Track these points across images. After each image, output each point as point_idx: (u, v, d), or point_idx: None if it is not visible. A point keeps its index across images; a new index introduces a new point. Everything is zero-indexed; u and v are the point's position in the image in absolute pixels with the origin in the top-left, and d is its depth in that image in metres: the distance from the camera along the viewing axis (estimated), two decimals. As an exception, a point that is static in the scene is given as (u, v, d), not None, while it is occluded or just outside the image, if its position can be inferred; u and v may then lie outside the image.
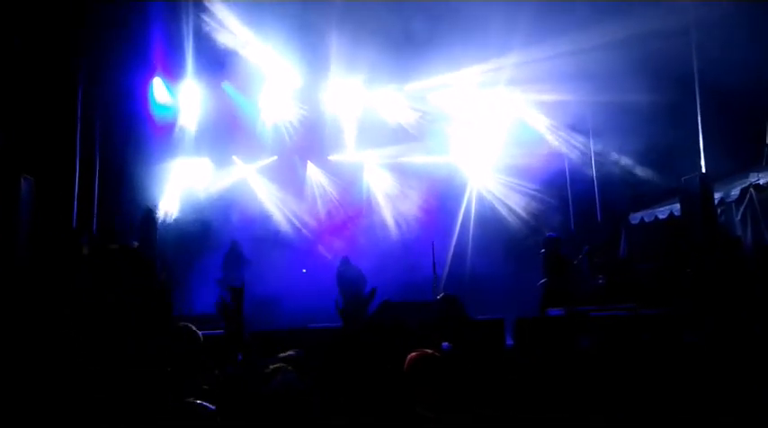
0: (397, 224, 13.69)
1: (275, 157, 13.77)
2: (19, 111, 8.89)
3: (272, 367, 2.82)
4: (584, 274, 10.33)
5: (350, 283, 11.09)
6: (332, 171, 14.23)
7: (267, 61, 12.33)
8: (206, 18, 11.10)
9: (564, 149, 13.29)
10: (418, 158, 14.11)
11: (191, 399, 2.69)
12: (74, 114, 10.35)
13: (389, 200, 14.05)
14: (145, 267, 8.95)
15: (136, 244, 9.36)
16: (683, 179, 8.91)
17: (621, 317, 7.65)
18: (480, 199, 13.92)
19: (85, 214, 10.72)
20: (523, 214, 13.51)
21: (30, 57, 9.20)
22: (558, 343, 6.81)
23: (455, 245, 12.62)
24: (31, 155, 8.89)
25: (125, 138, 12.00)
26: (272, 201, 13.70)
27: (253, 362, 3.66)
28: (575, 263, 9.79)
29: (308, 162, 14.23)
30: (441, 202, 13.79)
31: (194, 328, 3.42)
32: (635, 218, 11.63)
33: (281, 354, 3.21)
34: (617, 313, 8.09)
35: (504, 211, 13.70)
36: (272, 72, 12.61)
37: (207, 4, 10.96)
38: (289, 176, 13.90)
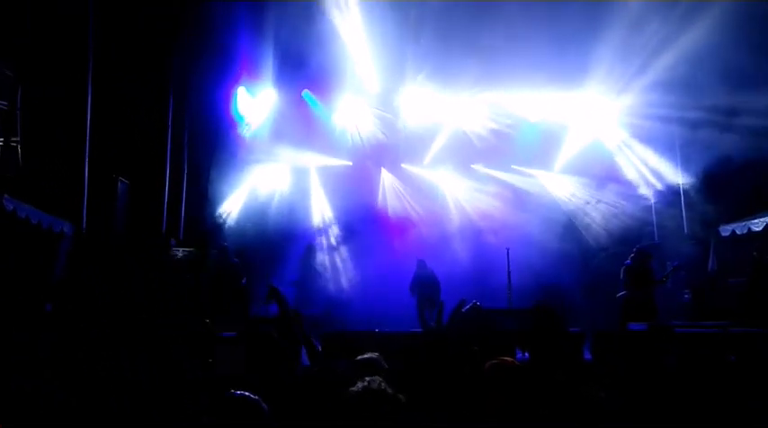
0: (471, 231, 13.56)
1: (350, 163, 14.00)
2: (116, 116, 9.45)
3: (361, 357, 2.84)
4: (669, 289, 9.86)
5: (425, 286, 11.14)
6: (406, 178, 14.32)
7: (347, 68, 12.56)
8: (289, 27, 11.41)
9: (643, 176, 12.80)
10: (495, 166, 13.97)
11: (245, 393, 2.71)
12: (165, 120, 10.91)
13: (464, 207, 13.96)
14: (228, 271, 9.37)
15: (225, 244, 9.74)
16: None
17: (710, 335, 7.25)
18: (559, 208, 13.56)
19: (174, 215, 11.26)
20: (604, 224, 13.06)
21: (126, 64, 9.76)
22: (640, 358, 6.54)
23: (530, 254, 12.33)
24: (127, 158, 9.45)
25: (210, 144, 12.56)
26: (345, 207, 13.91)
27: (327, 364, 3.72)
28: (662, 278, 9.32)
29: (382, 168, 14.38)
30: (517, 210, 13.55)
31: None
32: (725, 230, 10.97)
33: (360, 357, 3.23)
34: (705, 330, 7.68)
35: (583, 221, 13.30)
36: (351, 79, 12.84)
37: (289, 13, 11.26)
38: (363, 182, 14.07)
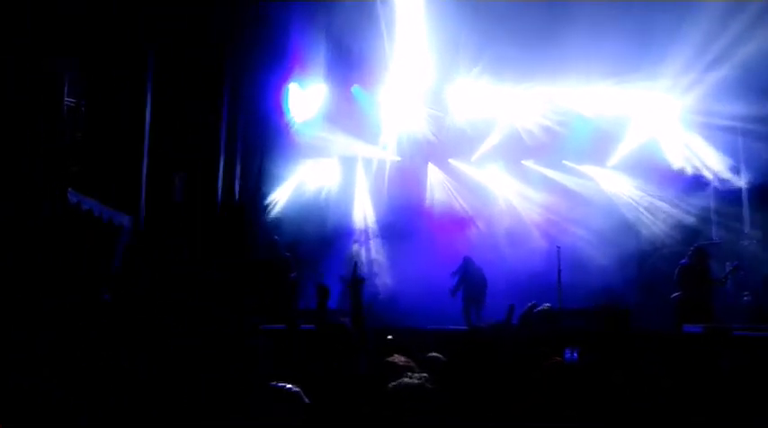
0: (521, 228, 13.38)
1: (398, 159, 14.02)
2: (173, 112, 9.75)
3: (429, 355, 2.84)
4: (727, 290, 9.48)
5: (471, 284, 11.10)
6: (454, 174, 14.25)
7: (398, 63, 12.55)
8: (342, 21, 11.47)
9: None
10: (546, 163, 13.73)
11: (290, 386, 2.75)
12: (220, 115, 11.17)
13: (513, 204, 13.79)
14: (278, 264, 9.57)
15: (275, 238, 9.92)
16: None
17: (771, 339, 6.95)
18: (613, 206, 13.20)
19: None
20: (660, 223, 12.66)
21: (183, 60, 10.04)
22: (695, 361, 6.33)
23: (582, 254, 12.08)
24: (183, 153, 9.74)
25: (262, 140, 12.80)
26: (393, 203, 13.95)
27: (377, 359, 3.75)
28: (722, 278, 8.97)
29: (430, 164, 14.34)
30: (569, 208, 13.28)
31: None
32: (790, 229, 10.47)
33: (429, 354, 3.22)
34: (765, 334, 7.36)
35: (638, 219, 12.92)
36: (402, 74, 12.83)
37: (342, 7, 11.31)
38: (411, 178, 14.08)
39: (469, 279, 11.33)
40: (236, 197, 11.90)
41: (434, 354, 3.09)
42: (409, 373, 2.53)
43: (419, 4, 11.55)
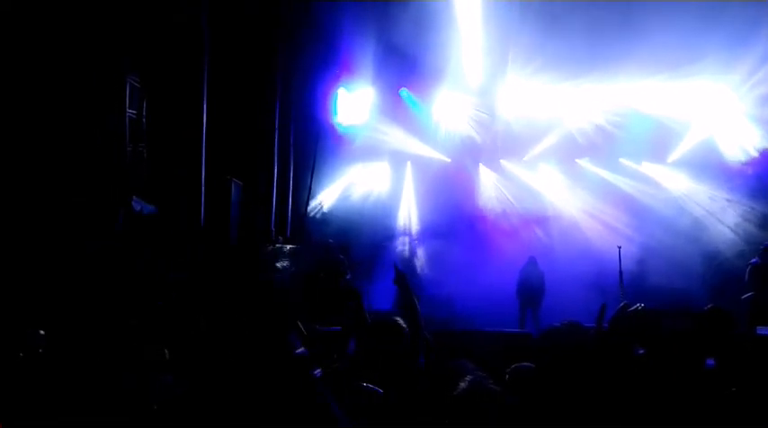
0: (577, 229, 13.05)
1: (449, 160, 13.93)
2: (228, 120, 9.97)
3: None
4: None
5: (529, 286, 10.89)
6: (506, 174, 14.06)
7: (447, 63, 12.46)
8: (387, 24, 11.47)
9: None
10: (602, 161, 13.36)
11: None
12: (272, 121, 11.37)
13: (569, 204, 13.47)
14: (333, 267, 9.63)
15: (330, 241, 10.00)
16: None
17: None
18: (676, 205, 12.72)
19: (281, 214, 11.74)
20: (725, 223, 12.11)
21: (236, 68, 10.26)
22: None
23: (644, 254, 11.66)
24: (239, 160, 9.94)
25: (313, 144, 12.96)
26: (444, 204, 13.86)
27: (437, 362, 3.69)
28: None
29: (480, 165, 14.18)
30: (627, 207, 12.87)
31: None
32: None
33: (516, 365, 3.08)
34: None
35: (703, 219, 12.40)
36: (451, 74, 12.73)
37: (391, 11, 11.30)
38: (462, 179, 13.96)
39: (528, 279, 11.11)
40: (290, 202, 12.07)
41: (524, 364, 2.97)
42: (468, 378, 2.45)
43: (468, 4, 11.40)
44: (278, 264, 9.89)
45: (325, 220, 13.06)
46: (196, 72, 9.15)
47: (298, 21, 11.14)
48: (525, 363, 2.95)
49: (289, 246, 10.58)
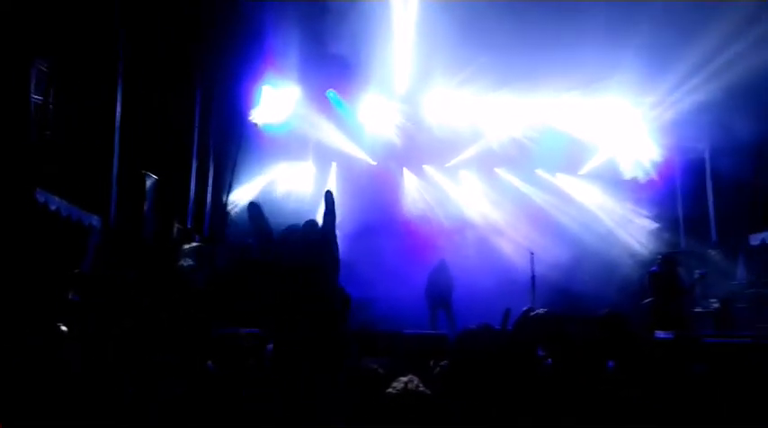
0: (494, 234, 13.48)
1: (374, 163, 14.00)
2: (145, 112, 9.54)
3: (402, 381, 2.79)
4: (696, 298, 9.70)
5: (438, 287, 11.10)
6: (428, 180, 14.30)
7: (374, 68, 12.51)
8: (314, 24, 11.38)
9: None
10: (519, 171, 13.90)
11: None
12: (192, 116, 10.99)
13: (487, 210, 13.90)
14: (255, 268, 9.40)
15: (250, 241, 9.76)
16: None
17: (739, 345, 7.11)
18: (586, 216, 13.44)
19: (199, 212, 11.35)
20: (630, 233, 12.92)
21: (154, 60, 9.84)
22: (667, 368, 6.42)
23: (553, 260, 12.22)
24: (155, 154, 9.52)
25: (235, 141, 12.63)
26: (369, 206, 13.91)
27: (359, 363, 3.69)
28: (688, 286, 9.18)
29: (405, 169, 14.37)
30: (539, 215, 13.46)
31: None
32: (755, 239, 10.78)
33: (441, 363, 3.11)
34: (734, 340, 7.53)
35: (610, 229, 13.16)
36: (378, 79, 12.81)
37: (316, 12, 11.23)
38: (386, 182, 14.07)
39: (437, 282, 11.36)
40: (209, 200, 11.70)
41: (442, 362, 3.02)
42: (401, 378, 2.48)
43: (401, 11, 11.50)
44: (195, 264, 9.54)
45: (245, 219, 12.71)
46: (111, 60, 8.70)
47: (222, 13, 10.80)
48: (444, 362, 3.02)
49: (206, 246, 10.23)
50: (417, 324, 10.58)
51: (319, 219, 13.11)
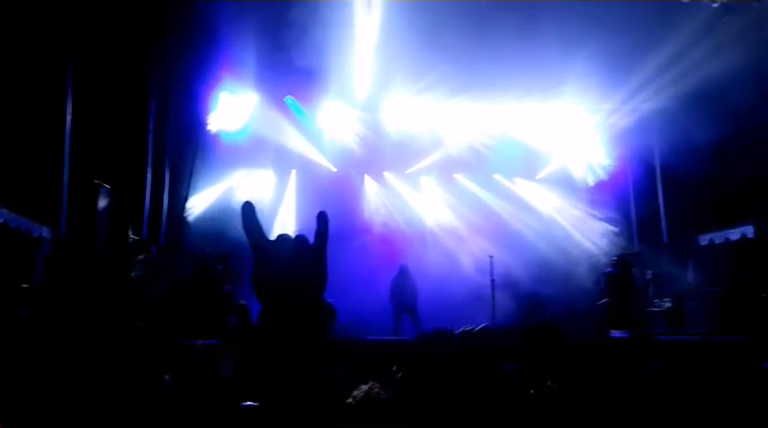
0: (454, 239, 13.62)
1: (334, 170, 13.96)
2: (97, 119, 9.29)
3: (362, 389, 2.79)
4: (649, 298, 10.00)
5: (403, 293, 11.13)
6: (389, 186, 14.34)
7: (333, 74, 12.47)
8: (273, 32, 11.27)
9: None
10: (477, 176, 14.09)
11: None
12: (147, 123, 10.76)
13: (447, 216, 14.03)
14: (210, 277, 9.24)
15: (207, 251, 9.60)
16: (758, 200, 8.55)
17: (690, 343, 7.36)
18: (541, 218, 13.72)
19: (155, 221, 11.10)
20: (585, 234, 13.23)
21: (107, 66, 9.60)
22: (622, 366, 6.59)
23: (513, 264, 12.42)
24: (108, 163, 9.28)
25: (192, 148, 12.40)
26: (329, 214, 13.83)
27: (321, 371, 3.68)
28: (642, 286, 9.48)
29: (366, 176, 14.37)
30: (499, 220, 13.67)
31: None
32: (704, 239, 11.19)
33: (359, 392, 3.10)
34: (685, 338, 7.79)
35: (564, 230, 13.46)
36: (337, 85, 12.78)
37: (275, 18, 11.12)
38: (346, 189, 14.04)
39: (400, 288, 11.40)
40: (165, 209, 11.46)
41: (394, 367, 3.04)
42: (362, 386, 2.49)
43: (359, 18, 11.50)
44: (151, 275, 9.32)
45: (202, 229, 12.47)
46: (60, 66, 8.45)
47: (177, 18, 10.60)
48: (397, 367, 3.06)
49: (163, 256, 10.01)
50: (381, 330, 10.58)
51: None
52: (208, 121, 12.70)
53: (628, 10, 9.21)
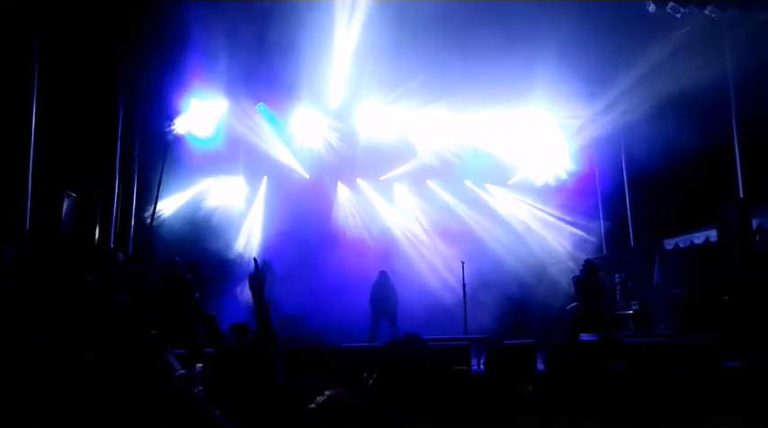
0: (427, 245, 13.69)
1: (307, 177, 13.92)
2: (63, 128, 9.11)
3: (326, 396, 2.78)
4: (617, 300, 10.20)
5: (382, 299, 11.14)
6: (362, 193, 14.37)
7: (305, 82, 12.43)
8: (246, 37, 11.19)
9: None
10: (449, 183, 14.20)
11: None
12: (115, 130, 10.59)
13: (419, 222, 14.11)
14: (180, 287, 9.12)
15: (177, 259, 9.48)
16: (720, 205, 8.78)
17: (656, 344, 7.52)
18: (511, 223, 13.88)
19: (123, 231, 10.91)
20: (554, 239, 13.43)
21: (73, 72, 9.43)
22: (591, 368, 6.71)
23: (483, 268, 12.53)
24: (74, 171, 9.10)
25: (161, 156, 12.22)
26: (302, 220, 13.80)
27: (293, 379, 3.65)
28: (609, 290, 9.68)
29: (339, 182, 14.37)
30: (471, 226, 13.79)
31: None
32: (669, 243, 11.44)
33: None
34: (652, 340, 7.96)
35: (535, 236, 13.64)
36: (309, 92, 12.74)
37: (248, 24, 11.04)
38: (319, 196, 14.01)
39: (380, 294, 11.41)
40: (133, 217, 11.28)
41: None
42: (326, 392, 2.49)
43: (336, 24, 11.48)
44: (117, 285, 9.16)
45: (171, 237, 12.29)
46: (25, 73, 8.26)
47: (147, 24, 10.46)
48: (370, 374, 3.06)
49: (130, 265, 9.84)
50: (356, 337, 10.56)
51: (245, 235, 12.80)
52: (177, 128, 12.54)
53: (596, 21, 9.39)
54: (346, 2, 10.51)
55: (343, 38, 11.27)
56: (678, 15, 9.28)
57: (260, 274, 3.57)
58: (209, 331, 4.19)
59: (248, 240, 13.37)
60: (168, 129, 12.32)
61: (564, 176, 13.67)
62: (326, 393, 2.47)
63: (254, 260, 3.73)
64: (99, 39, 9.67)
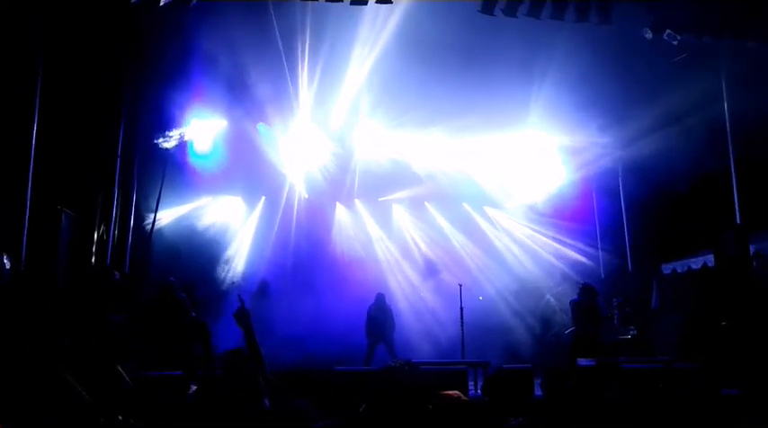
0: (424, 267, 13.68)
1: (306, 196, 13.94)
2: (62, 145, 9.12)
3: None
4: (615, 325, 10.15)
5: (378, 321, 11.08)
6: (360, 213, 14.38)
7: (305, 102, 12.53)
8: (246, 57, 11.28)
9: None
10: (448, 205, 14.23)
11: None
12: (114, 149, 10.62)
13: (417, 243, 14.10)
14: (175, 306, 9.07)
15: (172, 279, 9.44)
16: (718, 230, 8.80)
17: (654, 370, 7.46)
18: (510, 246, 13.88)
19: (120, 248, 10.88)
20: (552, 263, 13.41)
21: (75, 91, 9.47)
22: (588, 393, 6.64)
23: (482, 291, 12.51)
24: (73, 189, 9.10)
25: (160, 175, 12.23)
26: (300, 241, 13.81)
27: (282, 402, 3.62)
28: (607, 314, 9.64)
29: (337, 203, 14.40)
30: (469, 248, 13.80)
31: None
32: (667, 268, 11.44)
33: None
34: (649, 365, 7.90)
35: (530, 258, 13.63)
36: (307, 114, 12.83)
37: (247, 44, 11.12)
38: (318, 217, 14.03)
39: (377, 317, 11.34)
40: (130, 235, 11.26)
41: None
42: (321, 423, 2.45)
43: (345, 55, 11.59)
44: (114, 305, 9.10)
45: (167, 256, 12.25)
46: (27, 91, 8.31)
47: (148, 47, 10.55)
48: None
49: (127, 284, 9.79)
50: (351, 360, 10.48)
51: (241, 256, 12.67)
52: (177, 147, 12.58)
53: (591, 45, 9.48)
54: (368, 39, 10.57)
55: (356, 69, 11.35)
56: (675, 43, 9.38)
57: (245, 311, 3.68)
58: (201, 336, 4.19)
59: (245, 260, 13.36)
60: (168, 148, 12.35)
61: (562, 200, 13.70)
62: (324, 423, 2.44)
63: (239, 297, 3.86)
64: (100, 55, 9.72)
